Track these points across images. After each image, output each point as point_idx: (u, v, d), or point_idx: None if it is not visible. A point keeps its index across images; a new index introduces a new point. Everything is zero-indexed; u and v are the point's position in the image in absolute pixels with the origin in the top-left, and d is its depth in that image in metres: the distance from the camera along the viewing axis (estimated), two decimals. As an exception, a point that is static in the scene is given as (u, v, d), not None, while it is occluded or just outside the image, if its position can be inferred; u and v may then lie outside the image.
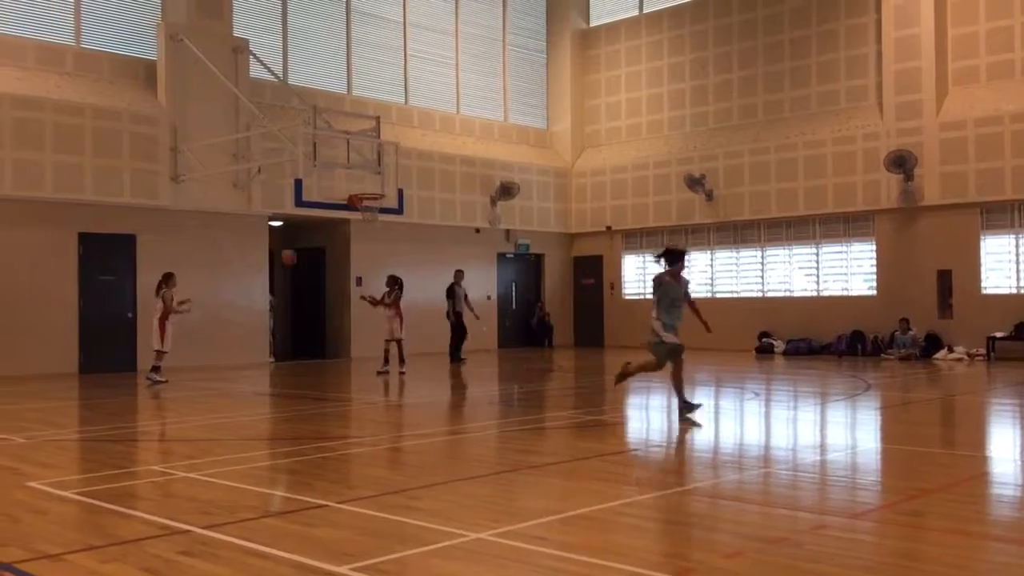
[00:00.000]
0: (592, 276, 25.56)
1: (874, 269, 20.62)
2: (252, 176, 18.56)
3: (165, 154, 17.68)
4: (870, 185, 20.28)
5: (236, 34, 18.86)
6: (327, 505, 5.67)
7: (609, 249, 25.29)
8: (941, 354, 18.61)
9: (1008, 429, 10.02)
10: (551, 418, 10.61)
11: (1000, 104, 18.67)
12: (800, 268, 22.23)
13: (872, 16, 20.67)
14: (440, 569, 4.39)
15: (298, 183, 15.91)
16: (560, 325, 25.23)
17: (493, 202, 23.45)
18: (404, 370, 15.88)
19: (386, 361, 15.93)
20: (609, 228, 25.01)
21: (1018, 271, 18.85)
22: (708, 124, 23.50)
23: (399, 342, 15.92)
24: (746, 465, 7.42)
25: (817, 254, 21.77)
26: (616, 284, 25.20)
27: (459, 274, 19.62)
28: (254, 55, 18.77)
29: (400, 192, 17.35)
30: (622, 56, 25.26)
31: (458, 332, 19.45)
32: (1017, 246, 18.86)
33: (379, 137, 17.17)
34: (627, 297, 25.13)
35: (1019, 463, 7.67)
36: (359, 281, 20.98)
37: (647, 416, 11.14)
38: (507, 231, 24.15)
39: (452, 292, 19.50)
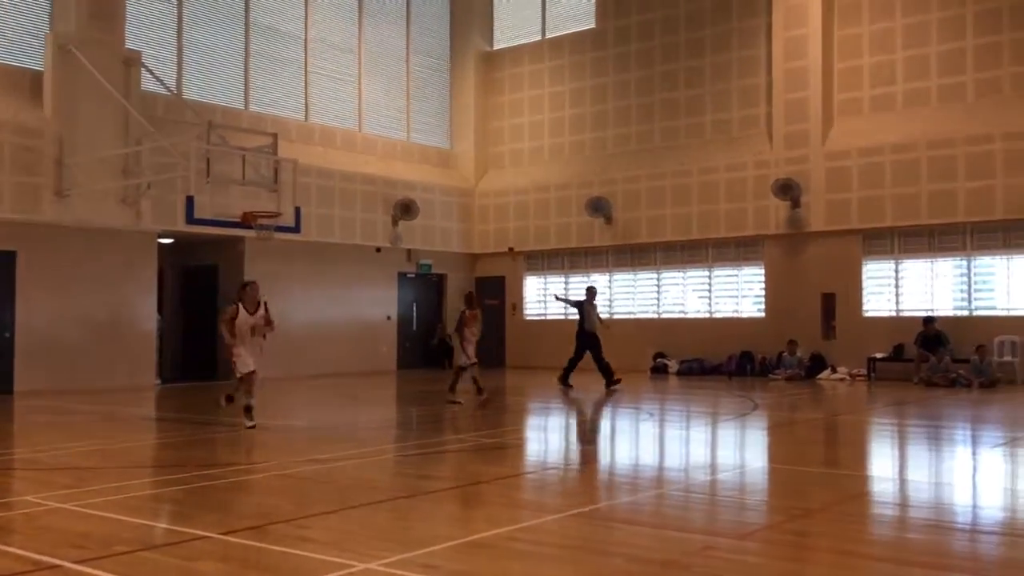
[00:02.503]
0: (494, 297, 25.61)
1: (763, 292, 21.30)
2: (142, 192, 17.94)
3: (50, 168, 16.92)
4: (760, 211, 20.98)
5: (129, 46, 18.26)
6: (210, 537, 5.47)
7: (511, 270, 25.41)
8: (825, 374, 19.33)
9: (887, 449, 10.45)
10: (449, 441, 10.53)
11: (881, 135, 19.60)
12: (694, 290, 22.79)
13: (763, 48, 21.46)
14: (327, 602, 4.28)
15: (190, 200, 15.46)
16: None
17: (394, 221, 23.29)
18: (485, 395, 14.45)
19: (452, 389, 14.28)
20: (511, 249, 25.14)
21: (897, 295, 19.77)
22: (607, 149, 23.93)
23: (474, 366, 14.41)
24: (639, 487, 7.51)
25: (710, 277, 22.36)
26: (518, 305, 25.32)
27: (591, 291, 18.22)
28: (147, 68, 18.20)
29: (297, 210, 17.04)
30: (525, 80, 25.53)
31: (580, 354, 17.73)
32: (896, 271, 19.78)
33: (276, 154, 16.85)
34: (528, 318, 25.27)
35: (898, 482, 7.99)
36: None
37: (546, 438, 11.17)
38: (408, 251, 24.01)
39: (581, 310, 17.77)
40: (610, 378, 17.12)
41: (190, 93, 20.08)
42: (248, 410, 10.92)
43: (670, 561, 4.89)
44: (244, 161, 17.17)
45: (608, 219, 23.08)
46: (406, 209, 23.15)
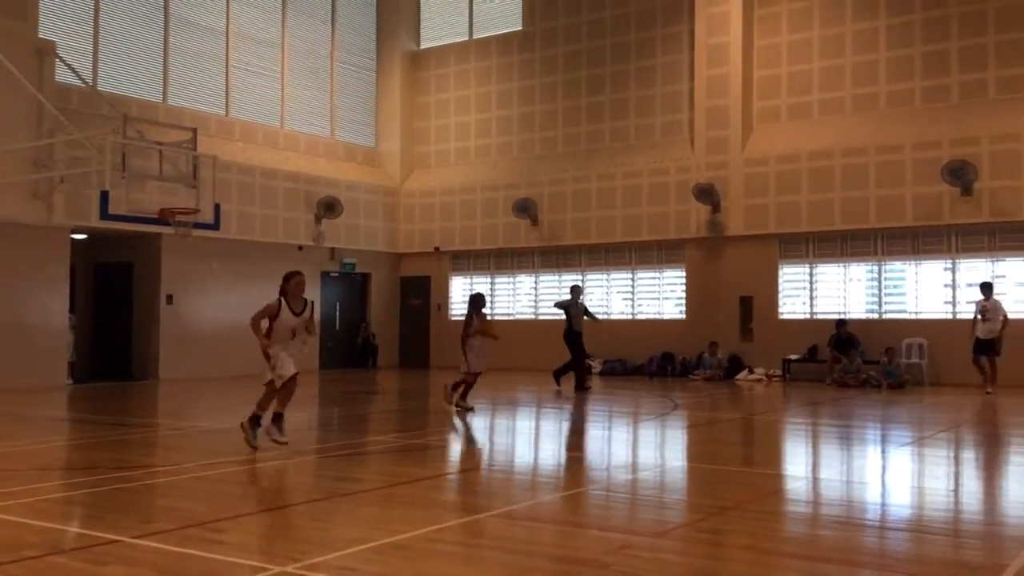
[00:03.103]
0: (419, 297, 25.51)
1: (684, 294, 21.68)
2: (54, 186, 17.33)
3: (-46, 158, 16.24)
4: (682, 215, 21.35)
5: (42, 35, 17.63)
6: (122, 540, 5.31)
7: (437, 270, 25.33)
8: (742, 375, 19.78)
9: (801, 447, 10.74)
10: (371, 442, 10.44)
11: (798, 143, 20.14)
12: (618, 292, 23.06)
13: (686, 55, 21.85)
14: (241, 606, 4.21)
15: (104, 195, 14.98)
16: (385, 346, 24.97)
17: (317, 219, 22.99)
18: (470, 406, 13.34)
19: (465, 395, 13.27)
20: (437, 249, 25.06)
21: (811, 298, 20.34)
22: (534, 151, 24.04)
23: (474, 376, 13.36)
24: (560, 486, 7.57)
25: (633, 279, 22.66)
26: (443, 305, 25.25)
27: (577, 290, 17.73)
28: (61, 58, 17.59)
29: (217, 207, 16.68)
30: (451, 80, 25.48)
31: (578, 356, 17.23)
32: (811, 275, 20.35)
33: (195, 149, 16.47)
34: (454, 318, 25.20)
35: (811, 480, 8.21)
36: (169, 299, 20.01)
37: (469, 439, 11.16)
38: (332, 249, 23.73)
39: (567, 310, 17.24)
40: (582, 381, 17.04)
41: (106, 85, 19.49)
42: (281, 421, 8.99)
43: (589, 560, 4.94)
44: (162, 156, 16.75)
45: (534, 221, 23.20)
46: (329, 207, 22.88)
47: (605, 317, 22.83)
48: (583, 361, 17.42)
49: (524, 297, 24.34)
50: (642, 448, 10.22)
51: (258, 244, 21.77)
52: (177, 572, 4.75)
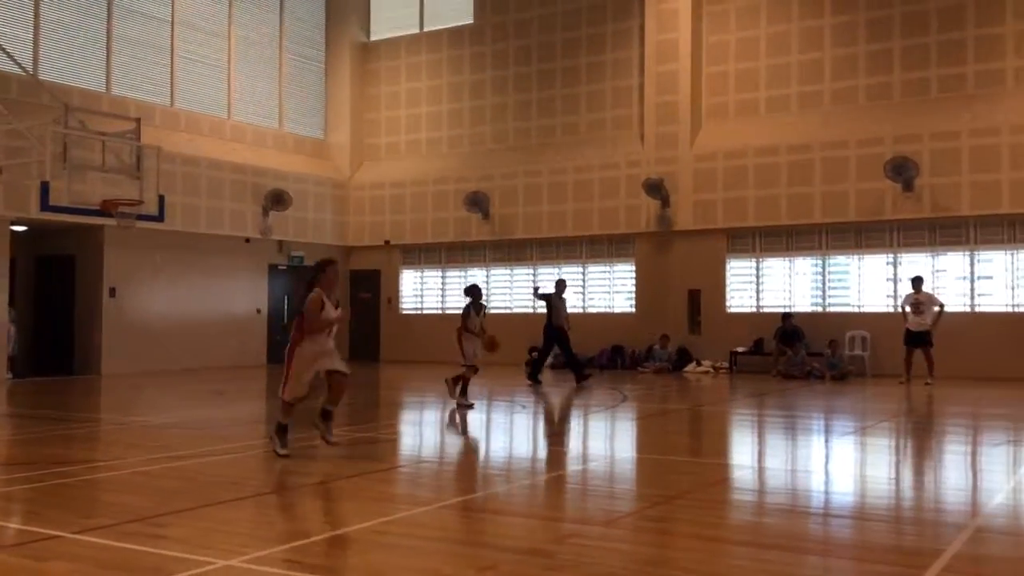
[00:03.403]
0: (369, 290, 25.34)
1: (634, 288, 21.85)
2: (-8, 175, 16.85)
3: None
4: (632, 209, 21.49)
5: (-24, 19, 17.13)
6: (62, 536, 5.20)
7: (387, 263, 25.18)
8: (690, 367, 20.01)
9: (747, 438, 10.90)
10: (320, 436, 10.33)
11: (746, 139, 20.40)
12: (569, 286, 23.10)
13: (636, 51, 21.99)
14: (184, 600, 4.15)
15: (45, 185, 14.60)
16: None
17: (265, 212, 22.69)
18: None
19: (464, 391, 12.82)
20: (387, 242, 24.91)
21: (758, 292, 20.64)
22: (486, 145, 24.01)
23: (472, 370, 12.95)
24: (510, 478, 7.58)
25: (584, 273, 22.77)
26: (394, 299, 25.12)
27: (562, 284, 17.78)
28: (0, 47, 17.10)
29: (161, 198, 16.35)
30: (402, 72, 25.33)
31: (551, 349, 17.59)
32: (757, 269, 20.65)
33: (139, 140, 16.12)
34: (405, 312, 25.11)
35: (757, 469, 8.34)
36: (112, 292, 19.62)
37: (420, 432, 11.13)
38: (280, 242, 23.45)
39: (549, 303, 17.36)
40: (580, 372, 17.03)
41: (47, 74, 18.99)
42: (329, 418, 8.40)
43: (536, 549, 4.96)
44: (104, 147, 16.36)
45: (486, 214, 23.18)
46: (277, 199, 22.60)
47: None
48: (571, 353, 17.42)
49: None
50: (592, 440, 10.28)
51: (204, 236, 21.43)
52: (119, 567, 4.66)
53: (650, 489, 7.19)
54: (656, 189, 20.57)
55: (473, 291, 13.39)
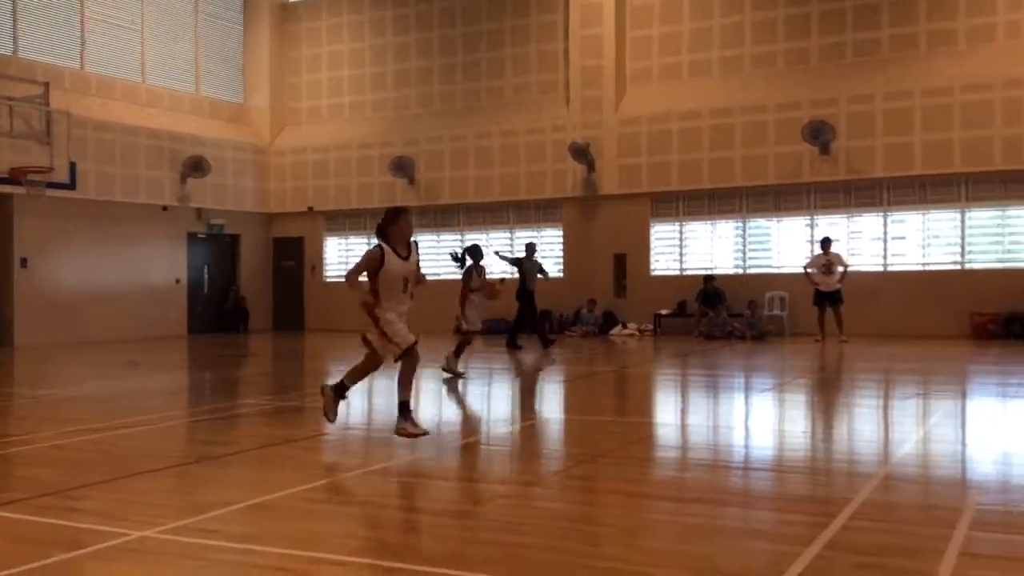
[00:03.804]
0: (292, 258, 24.93)
1: (561, 253, 21.95)
2: None
3: None
4: (558, 174, 21.52)
5: None
6: (-33, 513, 5.00)
7: (310, 230, 24.79)
8: (616, 330, 20.25)
9: (670, 396, 11.10)
10: (243, 405, 10.18)
11: (669, 103, 20.55)
12: (496, 252, 23.09)
13: (561, 14, 21.88)
14: (98, 572, 4.03)
15: (-54, 151, 13.95)
16: (257, 309, 24.32)
17: (183, 179, 22.07)
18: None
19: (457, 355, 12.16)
20: (310, 209, 24.50)
21: (681, 255, 20.94)
22: (410, 109, 23.71)
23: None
24: (437, 442, 7.56)
25: (511, 238, 22.76)
26: (317, 266, 24.77)
27: (532, 247, 17.21)
28: None
29: (72, 165, 15.81)
30: (324, 34, 24.77)
31: (527, 314, 17.03)
32: (681, 233, 20.93)
33: (48, 105, 15.50)
34: (329, 280, 24.79)
35: (679, 427, 8.49)
36: (24, 263, 18.89)
37: (347, 400, 11.01)
38: (198, 210, 22.85)
39: (521, 267, 16.98)
40: (545, 339, 16.87)
41: (-57, 32, 18.05)
42: (407, 410, 7.20)
43: (460, 511, 4.96)
44: (12, 112, 15.68)
45: (411, 180, 22.95)
46: (196, 166, 21.99)
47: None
48: (535, 319, 17.14)
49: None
50: (519, 403, 10.33)
51: (119, 205, 20.76)
52: (33, 541, 4.51)
53: (576, 449, 7.26)
54: (582, 154, 20.62)
55: (475, 252, 12.48)
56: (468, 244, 13.15)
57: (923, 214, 18.88)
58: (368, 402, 10.55)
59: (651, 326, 20.23)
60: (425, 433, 7.07)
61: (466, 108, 23.00)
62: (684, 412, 9.60)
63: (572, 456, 6.93)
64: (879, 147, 18.55)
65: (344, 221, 24.57)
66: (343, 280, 7.39)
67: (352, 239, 24.59)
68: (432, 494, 5.58)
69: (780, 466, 6.52)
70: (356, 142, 23.94)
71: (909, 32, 18.71)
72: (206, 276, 23.45)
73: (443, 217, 23.33)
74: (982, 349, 15.47)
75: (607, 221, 21.18)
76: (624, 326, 20.31)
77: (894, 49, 18.85)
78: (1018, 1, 17.83)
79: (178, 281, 22.39)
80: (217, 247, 23.82)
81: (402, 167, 22.77)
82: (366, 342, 7.26)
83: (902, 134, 18.35)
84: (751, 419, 8.94)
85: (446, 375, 11.82)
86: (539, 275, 17.30)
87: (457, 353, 12.08)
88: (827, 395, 10.64)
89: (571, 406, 10.03)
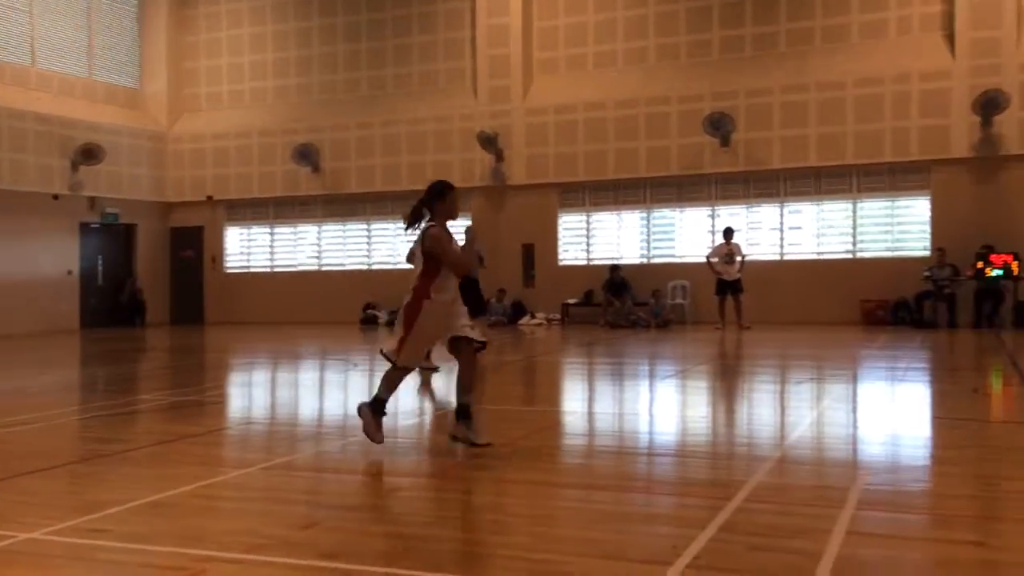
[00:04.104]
0: (191, 248, 24.23)
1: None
2: None
3: None
4: (466, 163, 21.47)
5: None
6: None
7: (210, 220, 24.13)
8: (525, 320, 20.38)
9: (577, 384, 11.21)
10: (139, 401, 9.84)
11: (576, 94, 20.71)
12: (405, 242, 22.91)
13: (468, 2, 21.79)
14: (-25, 580, 3.83)
15: None
16: (155, 302, 23.55)
17: (75, 166, 21.18)
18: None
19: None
20: (210, 198, 23.85)
21: (588, 245, 21.17)
22: (314, 95, 23.28)
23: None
24: (336, 436, 7.46)
25: (419, 227, 22.61)
26: (218, 257, 24.14)
27: (471, 231, 15.64)
28: None
29: (-47, 151, 14.96)
30: (223, 18, 24.08)
31: (473, 302, 15.74)
32: (588, 223, 21.16)
33: (-76, 85, 14.63)
34: (230, 271, 24.20)
35: (586, 414, 8.58)
36: None
37: (249, 394, 10.78)
38: (91, 199, 21.96)
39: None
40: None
41: None
42: (468, 416, 6.37)
43: (362, 504, 4.90)
44: None
45: (315, 168, 22.56)
46: (89, 153, 21.13)
47: (394, 267, 22.70)
48: (482, 307, 16.77)
49: (309, 248, 23.75)
50: (425, 395, 10.28)
51: (6, 193, 19.82)
52: (-100, 550, 4.25)
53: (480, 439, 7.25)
54: (490, 143, 20.62)
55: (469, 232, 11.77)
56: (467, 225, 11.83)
57: (817, 205, 19.53)
58: (271, 396, 10.35)
59: (559, 316, 20.41)
60: (487, 444, 6.20)
61: (372, 96, 22.72)
62: (590, 400, 9.71)
63: (479, 447, 6.91)
64: (776, 139, 19.11)
65: (245, 210, 24.00)
66: (415, 275, 6.27)
67: (255, 229, 24.05)
68: (333, 488, 5.49)
69: (681, 451, 6.65)
70: (258, 129, 23.39)
71: (805, 27, 19.30)
72: (100, 267, 22.59)
73: (350, 207, 23.03)
74: (871, 335, 16.13)
75: (515, 211, 21.25)
76: (532, 316, 20.44)
77: (791, 44, 19.41)
78: (906, -1, 18.57)
79: (70, 273, 21.51)
80: (111, 237, 22.96)
81: (306, 155, 22.36)
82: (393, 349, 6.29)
83: (798, 127, 18.94)
84: (655, 405, 9.11)
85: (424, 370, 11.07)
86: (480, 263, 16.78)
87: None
88: (727, 381, 10.92)
89: (478, 396, 10.01)
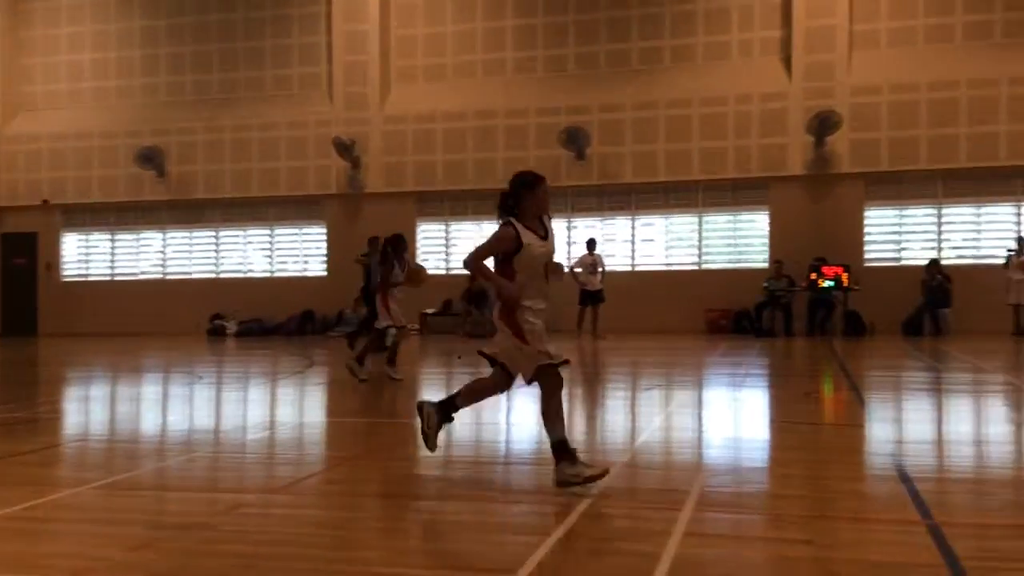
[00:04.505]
0: (24, 256, 22.74)
1: (326, 251, 21.54)
2: None
3: None
4: (321, 170, 21.10)
5: None
6: None
7: (45, 225, 22.75)
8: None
9: (433, 395, 11.12)
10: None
11: (435, 103, 20.71)
12: (259, 249, 22.32)
13: (324, 6, 21.45)
14: None
15: None
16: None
17: None
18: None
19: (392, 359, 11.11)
20: (46, 202, 22.48)
21: (447, 255, 21.18)
22: (160, 97, 22.35)
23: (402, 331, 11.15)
24: (177, 452, 7.13)
25: (272, 235, 22.06)
26: (54, 264, 22.76)
27: (376, 241, 14.59)
28: None
29: None
30: (63, 14, 22.80)
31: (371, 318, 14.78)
32: (447, 232, 21.18)
33: None
34: (67, 279, 22.87)
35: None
36: None
37: (86, 409, 10.17)
38: (-90, 201, 20.33)
39: (368, 265, 14.94)
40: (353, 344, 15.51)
41: None
42: (569, 449, 5.30)
43: (199, 523, 4.69)
44: None
45: (161, 172, 21.65)
46: (-94, 151, 19.53)
47: (243, 276, 22.06)
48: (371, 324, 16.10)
49: (153, 255, 22.74)
50: (272, 407, 9.99)
51: None
52: None
53: (331, 452, 7.10)
54: (346, 150, 20.34)
55: (399, 242, 11.16)
56: (393, 234, 11.69)
57: (666, 218, 20.24)
58: (110, 411, 9.82)
59: (417, 325, 20.30)
60: (605, 472, 5.24)
61: (222, 99, 22.01)
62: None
63: (328, 459, 6.76)
64: (628, 154, 19.70)
65: (84, 216, 22.75)
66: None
67: (94, 235, 22.85)
68: (171, 507, 5.23)
69: (532, 459, 6.71)
70: (99, 131, 22.24)
71: (655, 46, 20.00)
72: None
73: (197, 213, 22.21)
74: (715, 343, 16.82)
75: (372, 219, 20.99)
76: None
77: (642, 62, 20.07)
78: (750, 22, 19.54)
79: None
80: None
81: (150, 158, 21.42)
82: (488, 356, 5.67)
83: (648, 142, 19.59)
84: (511, 415, 9.15)
85: (361, 378, 10.87)
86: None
87: (363, 354, 11.00)
88: (580, 389, 11.12)
89: (329, 409, 9.82)
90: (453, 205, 20.98)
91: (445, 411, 5.73)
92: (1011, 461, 6.50)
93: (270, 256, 22.21)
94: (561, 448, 5.20)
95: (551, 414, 5.32)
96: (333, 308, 20.78)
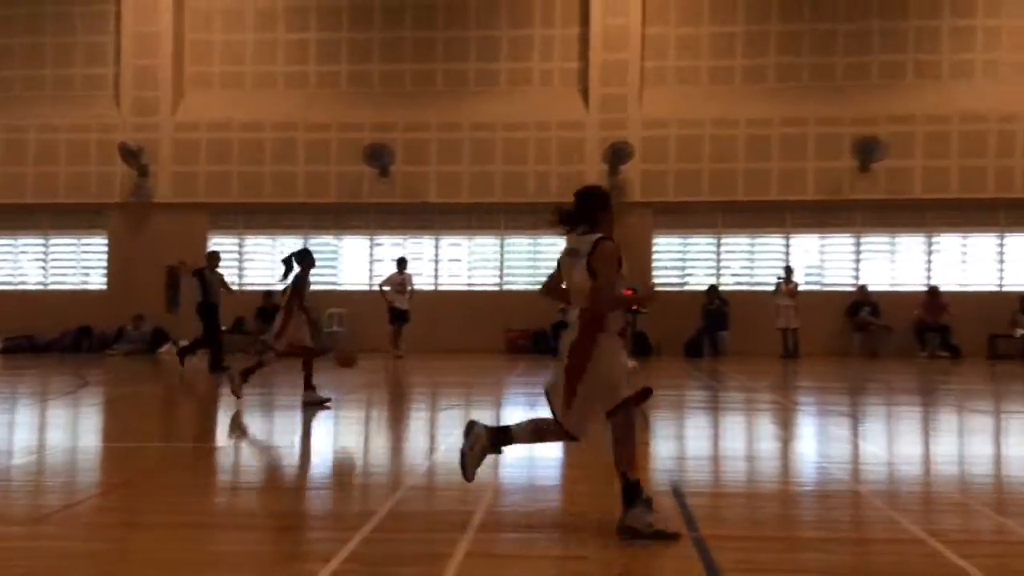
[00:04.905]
0: None
1: (106, 263, 20.19)
2: None
3: None
4: (105, 177, 19.82)
5: None
6: None
7: None
8: (167, 348, 19.07)
9: (219, 418, 10.63)
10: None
11: (232, 112, 19.94)
12: (30, 260, 20.63)
13: (113, 5, 20.22)
14: None
15: None
16: None
17: None
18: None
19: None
20: None
21: (240, 270, 20.43)
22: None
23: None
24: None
25: (46, 245, 20.48)
26: None
27: (214, 256, 15.01)
28: None
29: None
30: None
31: (212, 331, 14.19)
32: (241, 247, 20.42)
33: None
34: None
35: (236, 448, 8.13)
36: None
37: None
38: None
39: (203, 279, 14.45)
40: (218, 362, 14.34)
41: None
42: (641, 493, 4.70)
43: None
44: None
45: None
46: None
47: (13, 288, 20.34)
48: (218, 337, 14.93)
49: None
50: (37, 431, 9.18)
51: None
52: None
53: (104, 478, 6.60)
54: (133, 156, 19.22)
55: (306, 257, 10.53)
56: (300, 248, 11.06)
57: (470, 239, 20.49)
58: None
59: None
60: (677, 535, 4.61)
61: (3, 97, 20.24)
62: (234, 433, 9.23)
63: (100, 485, 6.28)
64: (433, 174, 19.81)
65: None
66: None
67: None
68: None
69: (320, 484, 6.53)
70: None
71: (460, 68, 20.26)
72: None
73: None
74: (513, 362, 17.14)
75: (160, 231, 19.92)
76: (175, 343, 19.17)
77: (448, 83, 20.26)
78: (550, 53, 20.14)
79: None
80: None
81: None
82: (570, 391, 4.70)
83: (453, 163, 19.78)
84: (309, 438, 8.87)
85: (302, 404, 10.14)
86: (222, 288, 15.28)
87: (248, 374, 10.34)
88: (377, 409, 10.97)
89: (103, 432, 9.15)
90: (248, 219, 20.24)
91: (496, 441, 4.97)
92: (777, 476, 6.98)
93: (44, 267, 20.53)
94: (635, 491, 4.63)
95: (625, 451, 4.74)
96: (113, 324, 19.45)
